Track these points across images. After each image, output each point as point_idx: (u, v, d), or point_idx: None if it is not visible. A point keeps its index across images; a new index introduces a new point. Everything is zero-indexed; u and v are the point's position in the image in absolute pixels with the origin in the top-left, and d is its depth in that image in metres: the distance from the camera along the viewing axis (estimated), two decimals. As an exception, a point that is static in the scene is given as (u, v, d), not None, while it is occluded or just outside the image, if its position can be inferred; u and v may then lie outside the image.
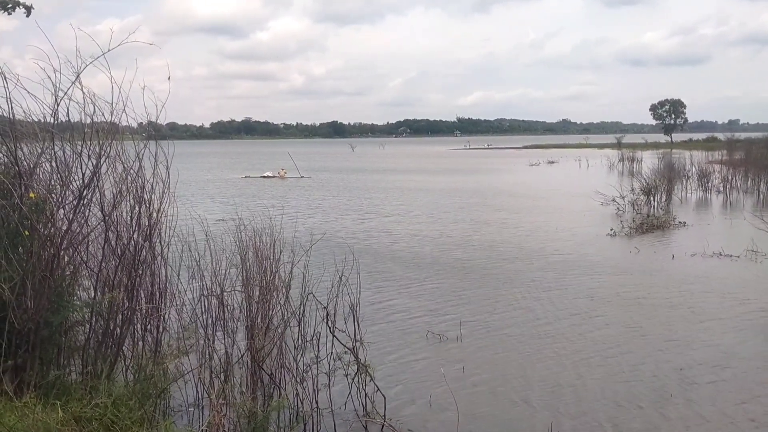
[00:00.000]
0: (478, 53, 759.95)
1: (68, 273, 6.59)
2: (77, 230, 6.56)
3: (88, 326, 6.66)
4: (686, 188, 32.87)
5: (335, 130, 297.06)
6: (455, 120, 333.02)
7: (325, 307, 7.34)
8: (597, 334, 10.24)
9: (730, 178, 33.23)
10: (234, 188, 40.79)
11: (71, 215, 6.36)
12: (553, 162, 68.71)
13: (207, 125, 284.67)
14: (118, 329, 6.83)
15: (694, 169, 34.51)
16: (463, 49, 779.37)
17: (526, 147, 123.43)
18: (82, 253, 6.85)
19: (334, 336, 7.34)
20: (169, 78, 7.32)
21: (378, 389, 7.30)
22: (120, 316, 6.82)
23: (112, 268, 6.84)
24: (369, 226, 23.17)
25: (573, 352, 9.45)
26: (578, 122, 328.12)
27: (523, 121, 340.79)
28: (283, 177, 49.15)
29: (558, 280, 13.99)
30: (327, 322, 7.31)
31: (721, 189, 32.40)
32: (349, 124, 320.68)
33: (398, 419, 7.19)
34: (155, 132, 7.26)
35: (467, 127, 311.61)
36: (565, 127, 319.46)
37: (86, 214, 6.60)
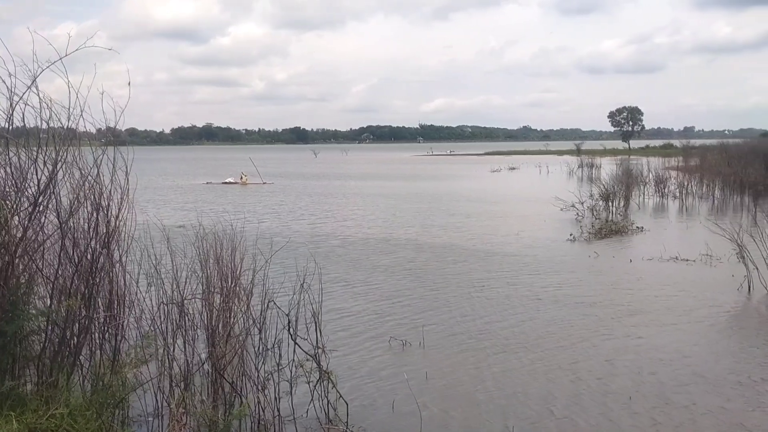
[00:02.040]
0: (440, 60, 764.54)
1: (23, 281, 6.43)
2: (33, 237, 6.43)
3: (43, 335, 6.52)
4: (644, 194, 33.58)
5: (298, 136, 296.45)
6: (418, 126, 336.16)
7: (287, 314, 7.31)
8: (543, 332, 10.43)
9: (685, 184, 33.94)
10: (195, 194, 40.35)
11: (26, 222, 6.23)
12: (514, 168, 69.42)
13: (167, 131, 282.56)
14: (75, 338, 6.70)
15: (651, 175, 35.26)
16: (425, 56, 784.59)
17: (488, 153, 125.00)
18: (38, 260, 6.70)
19: (296, 343, 7.31)
20: (129, 83, 7.22)
21: (340, 396, 7.30)
22: (77, 325, 6.69)
23: (68, 276, 6.71)
24: (325, 230, 23.26)
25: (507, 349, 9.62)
26: (539, 129, 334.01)
27: (484, 127, 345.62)
28: (245, 183, 48.77)
29: (513, 281, 14.18)
30: (289, 330, 7.28)
31: (678, 195, 33.09)
32: (312, 130, 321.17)
33: (361, 426, 7.19)
34: (114, 138, 7.13)
35: (430, 133, 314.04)
36: (525, 133, 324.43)
37: (42, 221, 6.48)
